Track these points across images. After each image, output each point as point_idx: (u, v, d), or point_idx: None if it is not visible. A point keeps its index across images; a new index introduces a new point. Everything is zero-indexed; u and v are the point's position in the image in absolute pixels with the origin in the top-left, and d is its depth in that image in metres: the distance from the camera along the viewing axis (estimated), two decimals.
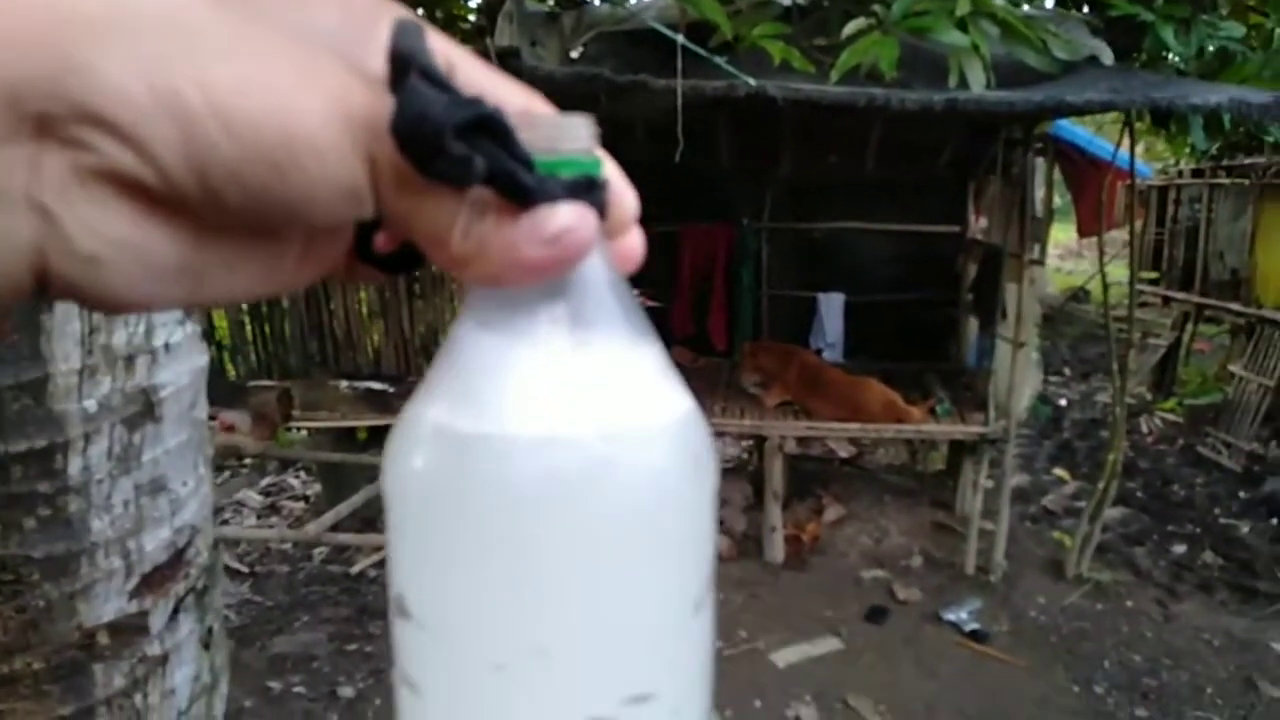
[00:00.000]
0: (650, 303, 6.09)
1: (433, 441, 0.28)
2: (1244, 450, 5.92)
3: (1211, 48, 3.59)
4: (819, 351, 5.55)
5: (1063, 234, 15.78)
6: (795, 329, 5.66)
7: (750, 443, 5.79)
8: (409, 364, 4.87)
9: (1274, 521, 5.09)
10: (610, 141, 0.30)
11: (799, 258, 5.74)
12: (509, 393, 0.27)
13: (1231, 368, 6.51)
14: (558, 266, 0.26)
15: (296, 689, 3.48)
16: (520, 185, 0.24)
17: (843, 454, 6.19)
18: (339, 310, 4.85)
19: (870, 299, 5.63)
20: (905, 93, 2.91)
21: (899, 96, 2.86)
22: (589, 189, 0.26)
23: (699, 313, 5.71)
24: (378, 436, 4.57)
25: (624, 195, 0.29)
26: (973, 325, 5.31)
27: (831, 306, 5.61)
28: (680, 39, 2.69)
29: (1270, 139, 4.25)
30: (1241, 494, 5.55)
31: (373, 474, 3.89)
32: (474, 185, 0.24)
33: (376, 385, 4.56)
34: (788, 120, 4.77)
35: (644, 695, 0.29)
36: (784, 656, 3.74)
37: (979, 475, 4.48)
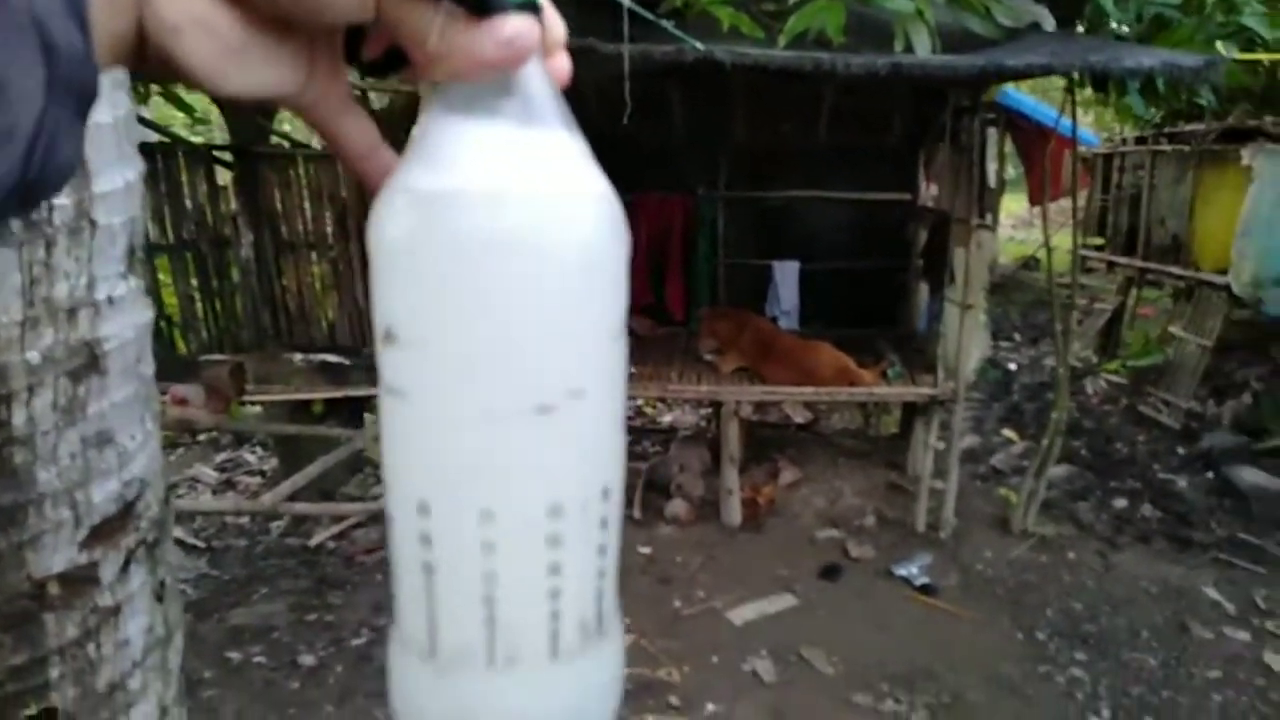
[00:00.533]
0: None
1: (409, 199, 0.36)
2: (1183, 408, 6.12)
3: (1149, 14, 3.68)
4: (775, 319, 5.63)
5: (1015, 204, 16.05)
6: (751, 297, 5.73)
7: (708, 410, 5.86)
8: (364, 336, 4.83)
9: (1209, 475, 5.29)
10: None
11: (754, 226, 5.79)
12: (470, 158, 0.35)
13: (1172, 329, 6.72)
14: (509, 63, 0.34)
15: (257, 659, 3.49)
16: None
17: (798, 419, 6.29)
18: (291, 284, 4.78)
19: (824, 266, 5.71)
20: (851, 56, 2.95)
21: (845, 61, 2.90)
22: (530, 9, 0.34)
23: (656, 282, 5.74)
24: (334, 409, 4.55)
25: (555, 22, 0.37)
26: (924, 290, 5.41)
27: (786, 274, 5.68)
28: (628, 4, 2.70)
29: (1204, 104, 4.36)
30: (1180, 450, 5.75)
31: (329, 446, 3.88)
32: None
33: (331, 358, 4.52)
34: (739, 88, 4.80)
35: (578, 390, 0.38)
36: (741, 614, 3.83)
37: (930, 436, 4.60)
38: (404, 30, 0.35)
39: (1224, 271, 6.00)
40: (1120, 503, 5.02)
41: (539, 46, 0.35)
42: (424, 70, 0.36)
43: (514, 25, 0.33)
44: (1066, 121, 4.19)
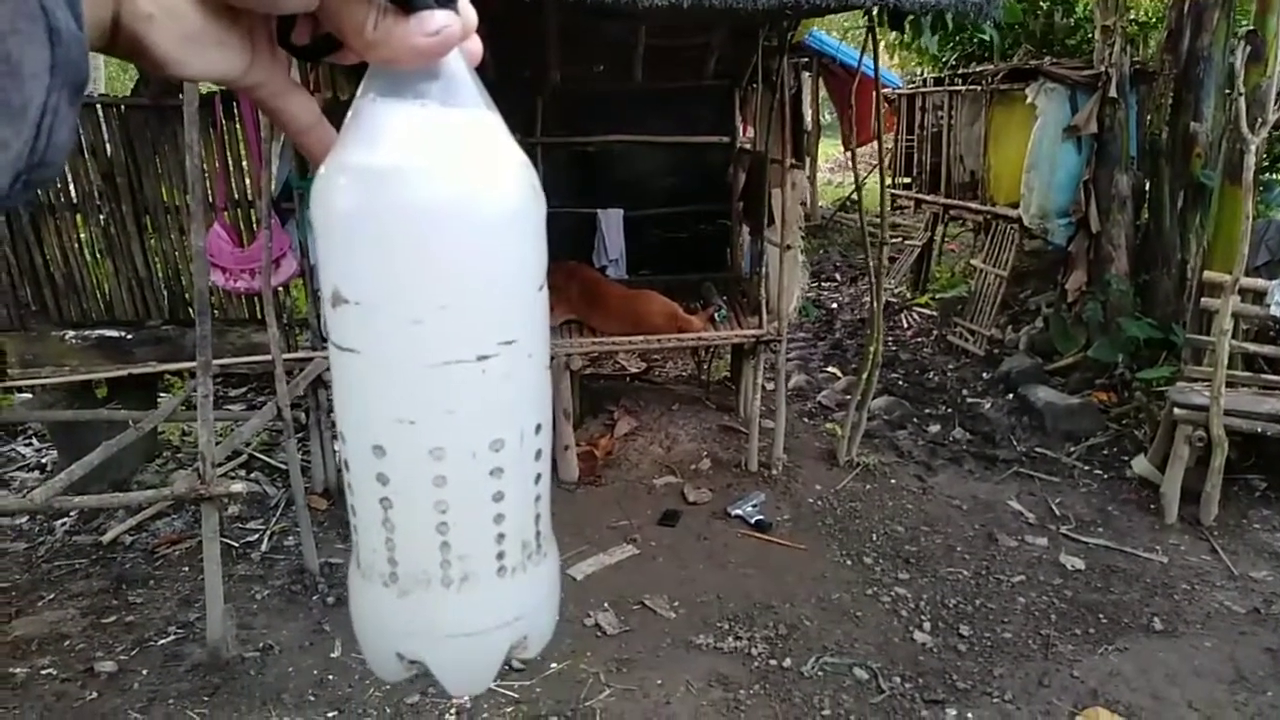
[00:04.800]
0: None
1: (352, 175, 0.40)
2: (985, 336, 6.56)
3: None
4: (603, 269, 5.54)
5: (832, 148, 16.71)
6: (577, 247, 5.60)
7: None
8: (148, 306, 4.32)
9: (1009, 396, 5.70)
10: None
11: (575, 174, 5.64)
12: (405, 137, 0.39)
13: (973, 262, 7.16)
14: (438, 51, 0.39)
15: (46, 671, 3.12)
16: None
17: (633, 369, 6.29)
18: (54, 252, 4.19)
19: (649, 213, 5.66)
20: None
21: None
22: (449, 2, 0.38)
23: None
24: (120, 390, 4.10)
25: (469, 11, 0.40)
26: (746, 233, 5.47)
27: (611, 222, 5.59)
28: None
29: (988, 39, 4.58)
30: (984, 375, 6.17)
31: (115, 430, 3.49)
32: None
33: (111, 333, 4.04)
34: (552, 28, 4.62)
35: (510, 340, 0.43)
36: (582, 569, 3.78)
37: (758, 377, 4.68)
38: (345, 20, 0.39)
39: (1016, 205, 6.42)
40: (934, 428, 5.33)
41: (462, 35, 0.40)
42: (363, 55, 0.40)
43: (440, 19, 0.38)
44: (870, 63, 4.29)
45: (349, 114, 0.41)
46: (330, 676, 3.05)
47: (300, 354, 3.99)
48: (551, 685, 3.04)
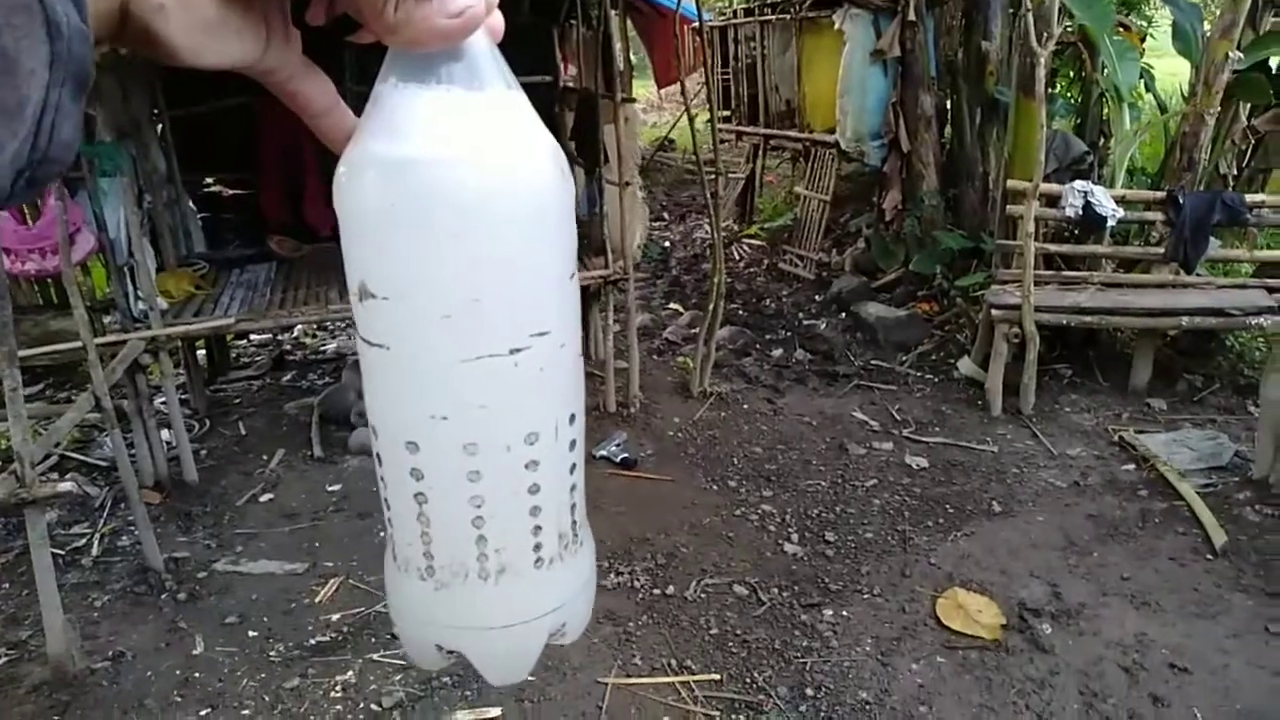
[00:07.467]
0: (234, 191, 5.37)
1: (376, 167, 0.39)
2: (813, 260, 6.85)
3: None
4: None
5: (642, 89, 16.76)
6: None
7: None
8: None
9: (842, 315, 6.00)
10: None
11: None
12: (429, 125, 0.39)
13: (797, 189, 7.42)
14: (461, 33, 0.38)
15: None
16: None
17: None
18: None
19: None
20: None
21: None
22: None
23: (293, 197, 5.14)
24: None
25: None
26: (579, 174, 5.40)
27: None
28: None
29: None
30: (817, 297, 6.45)
31: None
32: None
33: None
34: None
35: (542, 331, 0.43)
36: None
37: (607, 319, 4.67)
38: (362, 3, 0.37)
39: (832, 131, 6.68)
40: (777, 352, 5.53)
41: (485, 13, 0.38)
42: (382, 37, 0.38)
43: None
44: (687, 5, 4.28)
45: (370, 100, 0.39)
46: (196, 674, 2.84)
47: (111, 338, 3.61)
48: None
